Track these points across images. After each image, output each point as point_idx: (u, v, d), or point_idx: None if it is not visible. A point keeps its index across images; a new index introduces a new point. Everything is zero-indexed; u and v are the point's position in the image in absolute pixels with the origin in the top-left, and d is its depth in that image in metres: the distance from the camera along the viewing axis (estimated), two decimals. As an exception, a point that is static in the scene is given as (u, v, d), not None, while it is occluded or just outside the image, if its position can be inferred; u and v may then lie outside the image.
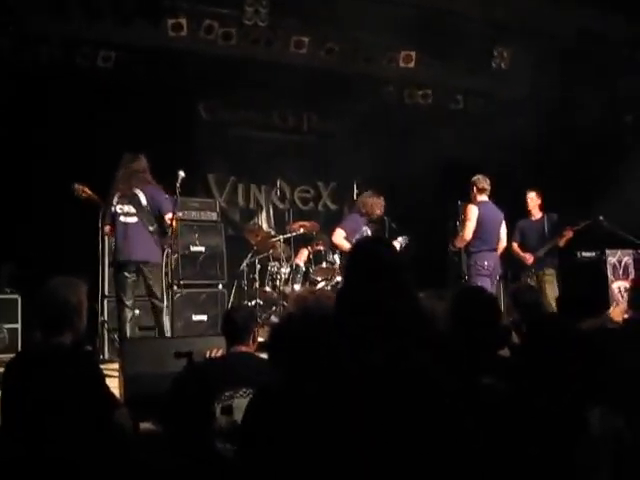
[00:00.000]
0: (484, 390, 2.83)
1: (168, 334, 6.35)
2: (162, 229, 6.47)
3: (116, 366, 5.76)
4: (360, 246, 2.71)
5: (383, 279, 2.41)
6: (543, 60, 8.37)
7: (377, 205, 7.89)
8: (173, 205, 6.36)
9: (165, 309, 6.52)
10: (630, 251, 8.60)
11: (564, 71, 8.66)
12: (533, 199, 8.40)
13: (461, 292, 3.62)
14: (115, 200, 6.46)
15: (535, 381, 2.71)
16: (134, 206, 6.44)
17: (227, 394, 3.33)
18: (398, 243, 7.77)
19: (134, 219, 6.45)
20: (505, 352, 3.77)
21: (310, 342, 2.51)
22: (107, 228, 6.55)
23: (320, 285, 8.15)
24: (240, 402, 3.32)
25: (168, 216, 6.39)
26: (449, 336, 3.25)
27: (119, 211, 6.44)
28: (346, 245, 7.67)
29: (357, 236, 7.65)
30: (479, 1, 7.79)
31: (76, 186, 6.39)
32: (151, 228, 6.44)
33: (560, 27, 8.14)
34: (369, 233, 7.86)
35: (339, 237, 7.81)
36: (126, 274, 6.38)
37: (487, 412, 2.57)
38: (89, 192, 6.41)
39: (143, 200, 6.46)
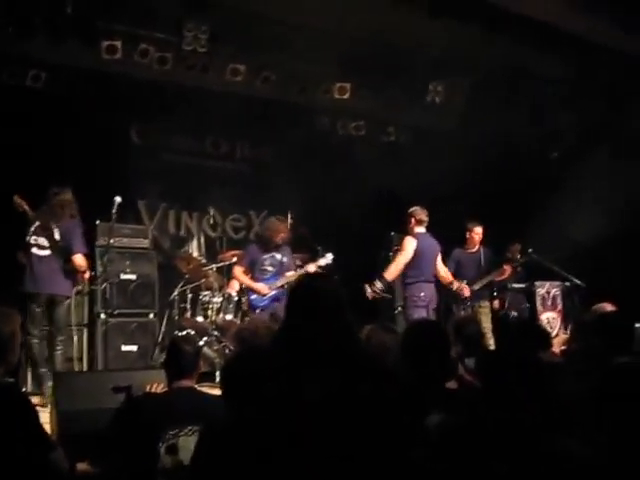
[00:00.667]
0: (435, 427, 2.81)
1: (59, 365, 6.26)
2: (69, 266, 6.36)
3: (39, 400, 5.53)
4: (300, 284, 2.77)
5: (321, 317, 2.43)
6: (477, 95, 8.55)
7: (276, 230, 7.63)
8: (85, 245, 6.48)
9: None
10: (558, 283, 8.84)
11: (497, 107, 8.84)
12: (479, 234, 8.43)
13: (412, 326, 3.61)
14: (31, 230, 6.40)
15: (493, 408, 2.72)
16: (48, 239, 6.35)
17: (171, 432, 3.20)
18: (324, 262, 7.65)
19: (46, 252, 6.38)
20: (452, 384, 3.77)
21: (257, 378, 2.48)
22: (20, 256, 6.47)
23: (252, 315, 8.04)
24: (185, 440, 3.19)
25: (76, 257, 6.32)
26: (400, 369, 3.23)
27: (33, 242, 6.38)
28: (242, 278, 7.69)
29: (260, 266, 7.60)
30: (416, 35, 7.88)
31: (16, 198, 6.38)
32: (62, 262, 6.35)
33: (494, 64, 8.33)
34: (279, 258, 7.63)
35: (237, 272, 7.76)
36: (34, 306, 6.30)
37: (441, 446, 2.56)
38: (26, 208, 6.38)
39: (57, 235, 6.36)
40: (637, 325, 5.65)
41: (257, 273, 7.64)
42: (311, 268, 7.51)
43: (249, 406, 2.46)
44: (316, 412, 2.20)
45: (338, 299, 2.55)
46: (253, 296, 7.62)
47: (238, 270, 7.77)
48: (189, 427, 3.20)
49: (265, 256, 7.65)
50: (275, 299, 7.55)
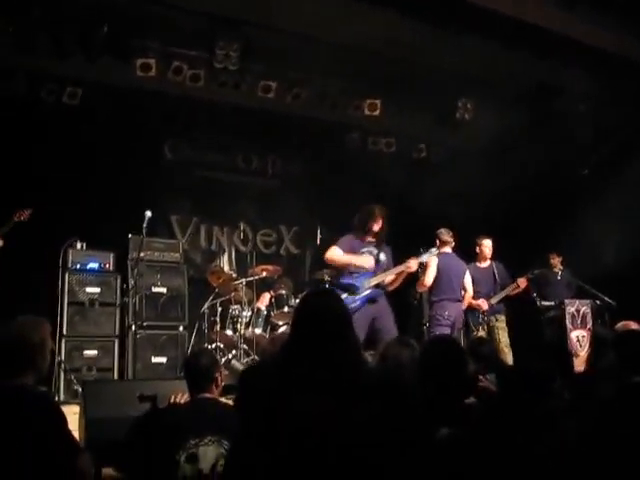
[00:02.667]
0: (442, 439, 2.84)
1: None
2: None
3: (73, 408, 5.63)
4: (306, 300, 2.82)
5: (327, 333, 2.49)
6: (506, 112, 8.55)
7: (373, 215, 6.79)
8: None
9: None
10: (588, 301, 8.75)
11: (526, 123, 8.83)
12: (489, 247, 8.39)
13: (429, 342, 3.63)
14: None
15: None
16: None
17: (192, 442, 3.27)
18: (427, 257, 7.01)
19: None
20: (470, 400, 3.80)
21: (263, 393, 2.54)
22: None
23: (282, 329, 8.11)
24: (205, 450, 3.27)
25: None
26: (417, 385, 3.26)
27: None
28: (339, 257, 6.68)
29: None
30: (445, 53, 7.92)
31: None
32: None
33: (521, 80, 8.34)
34: (376, 254, 6.75)
35: (333, 252, 6.73)
36: None
37: (445, 459, 2.58)
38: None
39: None
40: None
41: (351, 268, 6.70)
42: (413, 263, 6.74)
43: (256, 420, 2.52)
44: (316, 429, 2.25)
45: (342, 317, 2.61)
46: (344, 295, 6.34)
47: (336, 250, 6.73)
48: (209, 437, 3.28)
49: (363, 249, 6.75)
50: (370, 300, 6.60)
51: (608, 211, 8.87)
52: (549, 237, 9.30)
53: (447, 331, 7.23)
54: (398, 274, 6.76)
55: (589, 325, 8.69)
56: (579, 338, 8.55)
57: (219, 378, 3.64)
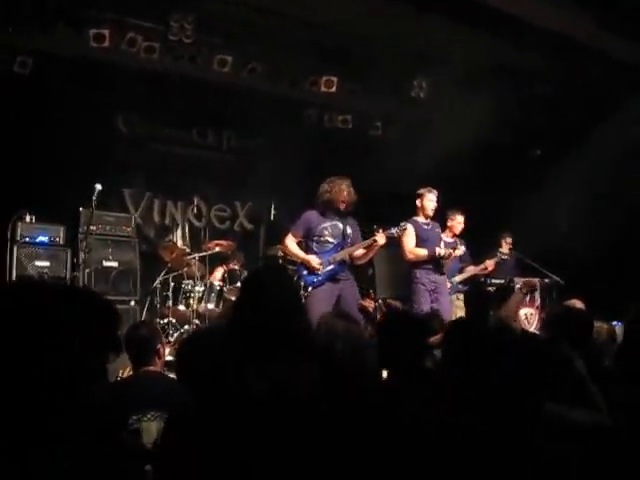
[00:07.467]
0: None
1: None
2: None
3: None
4: (249, 279, 2.86)
5: (269, 311, 2.52)
6: (460, 92, 8.60)
7: (339, 192, 6.42)
8: None
9: None
10: (536, 279, 8.90)
11: (481, 103, 8.88)
12: (461, 223, 8.22)
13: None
14: None
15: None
16: None
17: (134, 417, 3.27)
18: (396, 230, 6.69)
19: None
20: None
21: (214, 364, 2.55)
22: None
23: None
24: (147, 425, 3.28)
25: None
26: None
27: None
28: (291, 248, 6.57)
29: (317, 236, 6.44)
30: (402, 32, 7.93)
31: None
32: None
33: (477, 60, 8.37)
34: (342, 228, 6.47)
35: (288, 242, 6.60)
36: None
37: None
38: None
39: None
40: (615, 323, 5.78)
41: (314, 244, 6.45)
42: (380, 237, 6.39)
43: (202, 395, 2.53)
44: (263, 406, 2.28)
45: (288, 294, 2.63)
46: (304, 271, 6.36)
47: (290, 240, 6.59)
48: (152, 412, 3.28)
49: (325, 224, 6.44)
50: (332, 276, 6.33)
51: (559, 192, 9.01)
52: (500, 216, 9.42)
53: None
54: (367, 248, 6.52)
55: (537, 303, 8.87)
56: (527, 316, 8.72)
57: (161, 349, 3.62)
